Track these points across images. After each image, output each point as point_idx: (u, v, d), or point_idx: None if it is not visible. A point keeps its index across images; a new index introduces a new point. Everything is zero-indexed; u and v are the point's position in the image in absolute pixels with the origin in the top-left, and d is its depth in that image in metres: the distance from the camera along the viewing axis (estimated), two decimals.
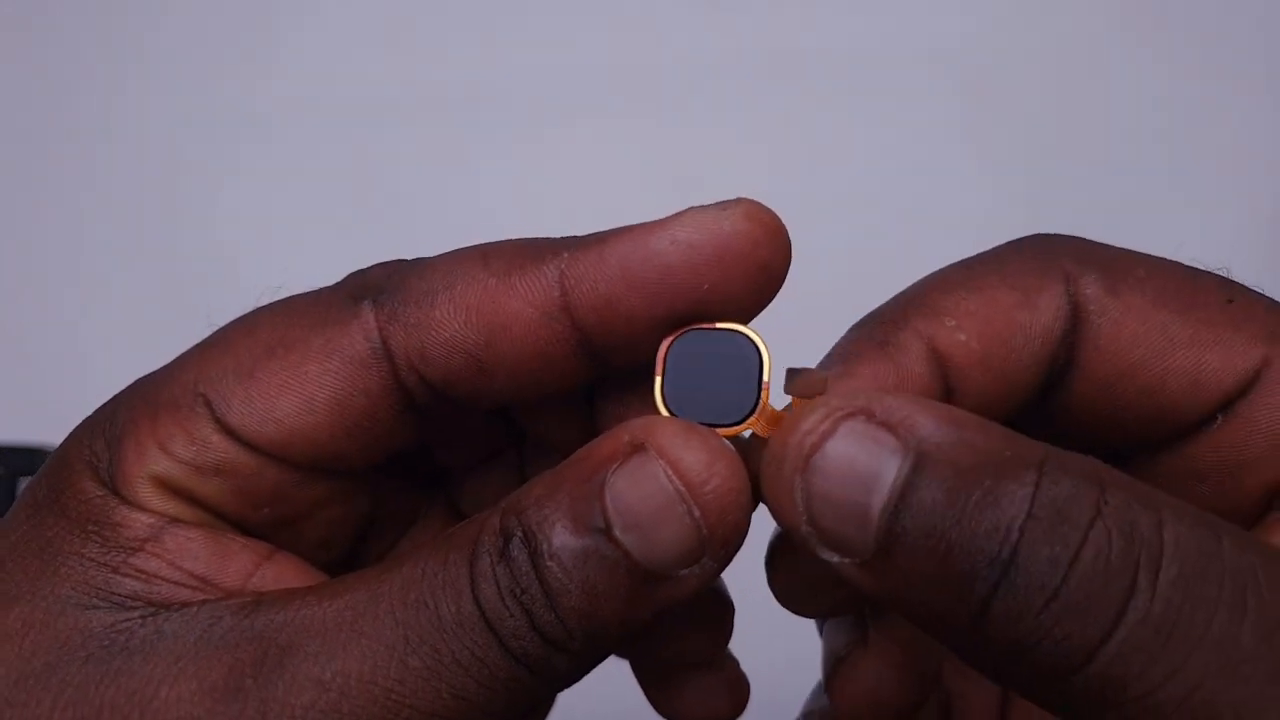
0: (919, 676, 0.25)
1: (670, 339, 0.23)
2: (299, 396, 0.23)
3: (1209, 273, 0.24)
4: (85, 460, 0.23)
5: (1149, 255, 0.24)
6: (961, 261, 0.24)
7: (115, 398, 0.25)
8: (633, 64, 0.59)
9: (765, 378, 0.22)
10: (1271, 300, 0.24)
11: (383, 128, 0.58)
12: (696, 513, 0.21)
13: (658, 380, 0.23)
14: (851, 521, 0.20)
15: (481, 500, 0.28)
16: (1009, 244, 0.24)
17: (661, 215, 0.24)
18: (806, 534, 0.20)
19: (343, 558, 0.27)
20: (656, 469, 0.21)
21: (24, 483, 0.44)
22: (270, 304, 0.26)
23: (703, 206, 0.24)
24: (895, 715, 0.25)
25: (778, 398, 0.22)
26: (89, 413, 0.26)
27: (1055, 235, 0.25)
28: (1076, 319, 0.23)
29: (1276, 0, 0.58)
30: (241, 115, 0.58)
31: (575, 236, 0.24)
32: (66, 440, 0.24)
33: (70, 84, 0.59)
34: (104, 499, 0.23)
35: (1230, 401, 0.23)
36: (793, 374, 0.22)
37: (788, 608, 0.26)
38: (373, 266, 0.27)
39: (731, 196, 0.23)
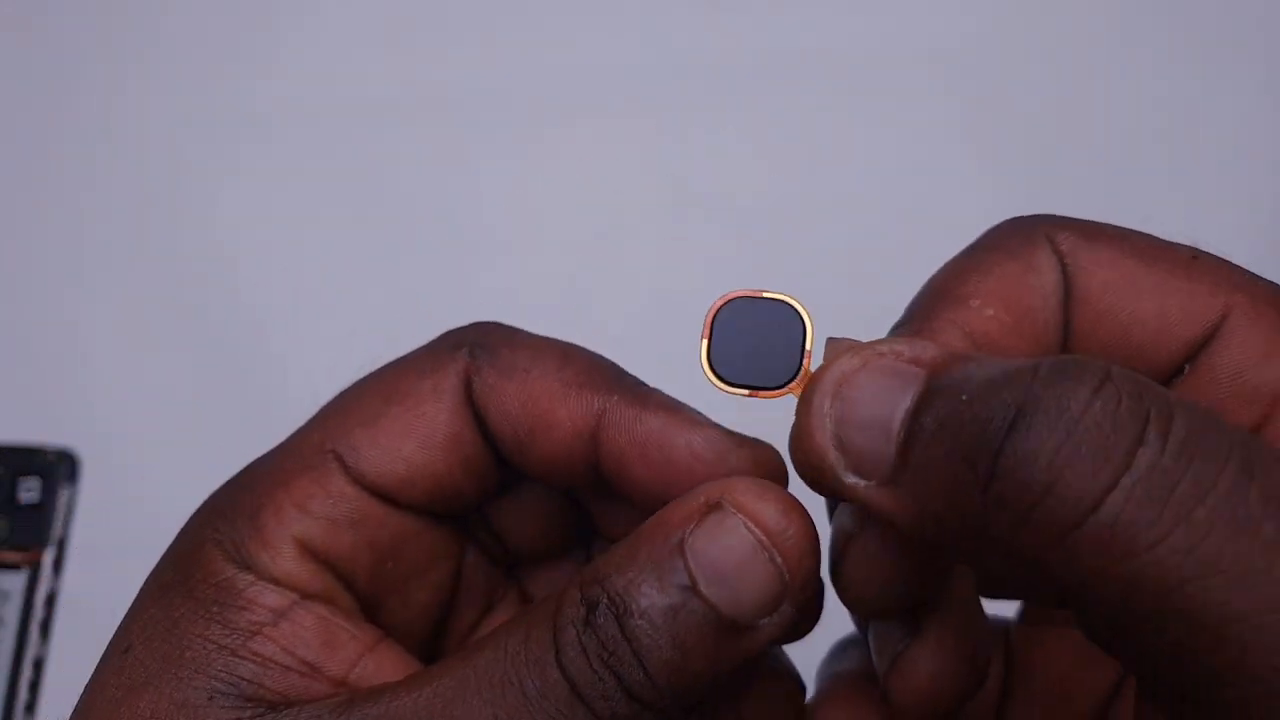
0: (974, 663, 0.26)
1: (718, 305, 0.24)
2: (418, 436, 0.27)
3: (1175, 242, 0.25)
4: (214, 540, 0.25)
5: (1116, 225, 0.26)
6: (957, 256, 0.26)
7: (229, 483, 0.28)
8: (633, 64, 0.59)
9: (808, 345, 0.24)
10: (1234, 264, 0.25)
11: (383, 128, 0.58)
12: (778, 559, 0.22)
13: (704, 343, 0.24)
14: (877, 436, 0.21)
15: (552, 586, 0.30)
16: (988, 232, 0.26)
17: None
18: (835, 460, 0.21)
19: (430, 636, 0.29)
20: (736, 523, 0.22)
21: (23, 483, 0.44)
22: (376, 370, 0.29)
23: (726, 432, 0.26)
24: (953, 703, 0.26)
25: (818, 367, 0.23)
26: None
27: (1024, 215, 0.26)
28: (1063, 272, 0.25)
29: (1276, 0, 0.58)
30: (241, 115, 0.58)
31: (631, 381, 0.28)
32: (189, 526, 0.27)
33: (70, 84, 0.59)
34: (234, 577, 0.24)
35: (1195, 352, 0.24)
36: (834, 342, 0.23)
37: (854, 608, 0.27)
38: (469, 326, 0.30)
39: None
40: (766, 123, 0.58)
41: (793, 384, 0.24)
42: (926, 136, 0.57)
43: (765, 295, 0.24)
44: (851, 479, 0.21)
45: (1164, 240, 0.25)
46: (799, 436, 0.22)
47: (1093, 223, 0.25)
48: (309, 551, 0.25)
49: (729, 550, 0.22)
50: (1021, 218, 0.26)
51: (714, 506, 0.22)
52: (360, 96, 0.59)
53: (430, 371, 0.27)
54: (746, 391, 0.24)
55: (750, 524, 0.22)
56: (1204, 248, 0.25)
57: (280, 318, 0.56)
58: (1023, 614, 0.30)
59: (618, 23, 0.59)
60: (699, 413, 0.27)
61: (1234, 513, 0.18)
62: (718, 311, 0.24)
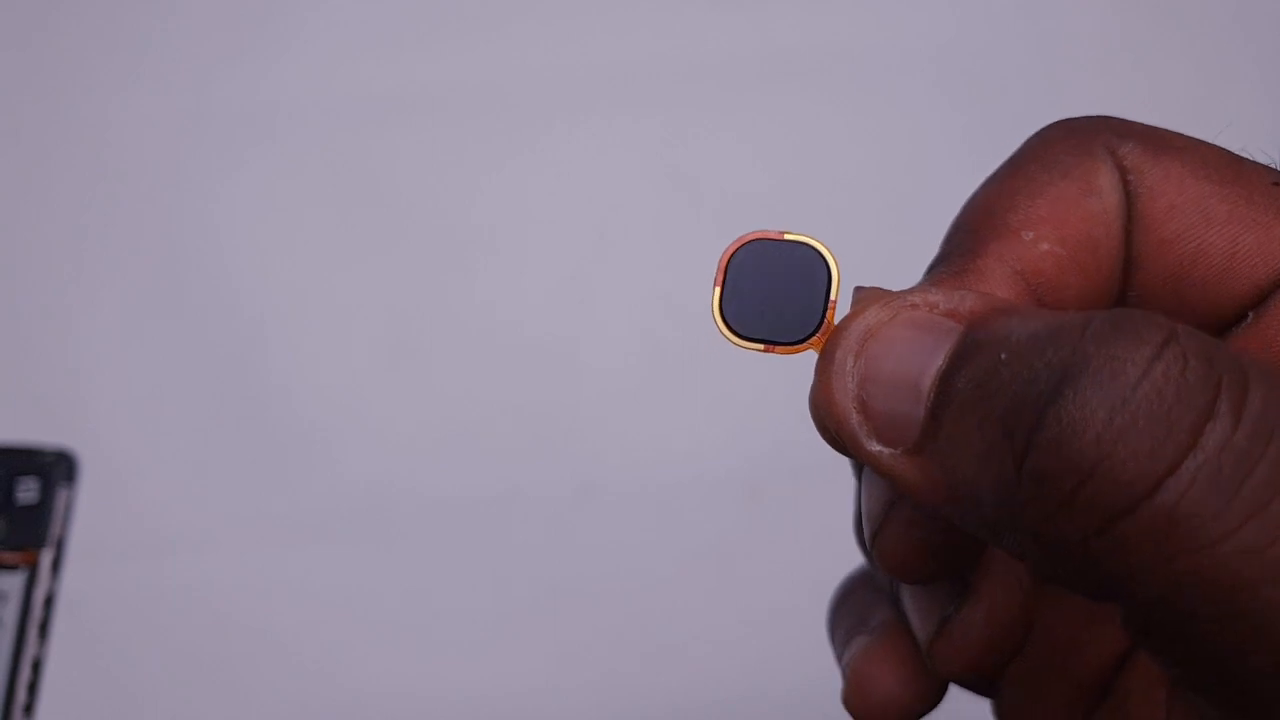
0: (1023, 625, 0.24)
1: (733, 248, 0.22)
2: None
3: (1253, 160, 0.22)
4: None
5: (1187, 134, 0.22)
6: (1001, 168, 0.22)
7: None
8: (633, 64, 0.58)
9: (833, 295, 0.21)
10: None
11: (383, 127, 0.58)
12: None
13: (716, 291, 0.21)
14: (905, 398, 0.19)
15: None
16: (1039, 136, 0.22)
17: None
18: (856, 424, 0.19)
19: None
20: None
21: (21, 483, 0.44)
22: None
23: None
24: (1000, 668, 0.24)
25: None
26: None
27: (1084, 116, 0.23)
28: (1125, 191, 0.21)
29: (1276, 0, 0.58)
30: (241, 115, 0.58)
31: None
32: None
33: (70, 84, 0.59)
34: None
35: (1263, 297, 0.21)
36: (861, 292, 0.21)
37: (896, 575, 0.24)
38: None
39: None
40: (766, 122, 0.58)
41: (814, 338, 0.21)
42: (928, 136, 0.57)
43: (787, 237, 0.21)
44: (875, 446, 0.19)
45: (1241, 158, 0.22)
46: (818, 396, 0.20)
47: (1159, 130, 0.22)
48: None
49: None
50: (1076, 121, 0.22)
51: None
52: (360, 96, 0.59)
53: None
54: (762, 346, 0.21)
55: None
56: None
57: (280, 317, 0.56)
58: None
59: (617, 23, 0.59)
60: None
61: None
62: (732, 255, 0.21)
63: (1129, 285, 0.22)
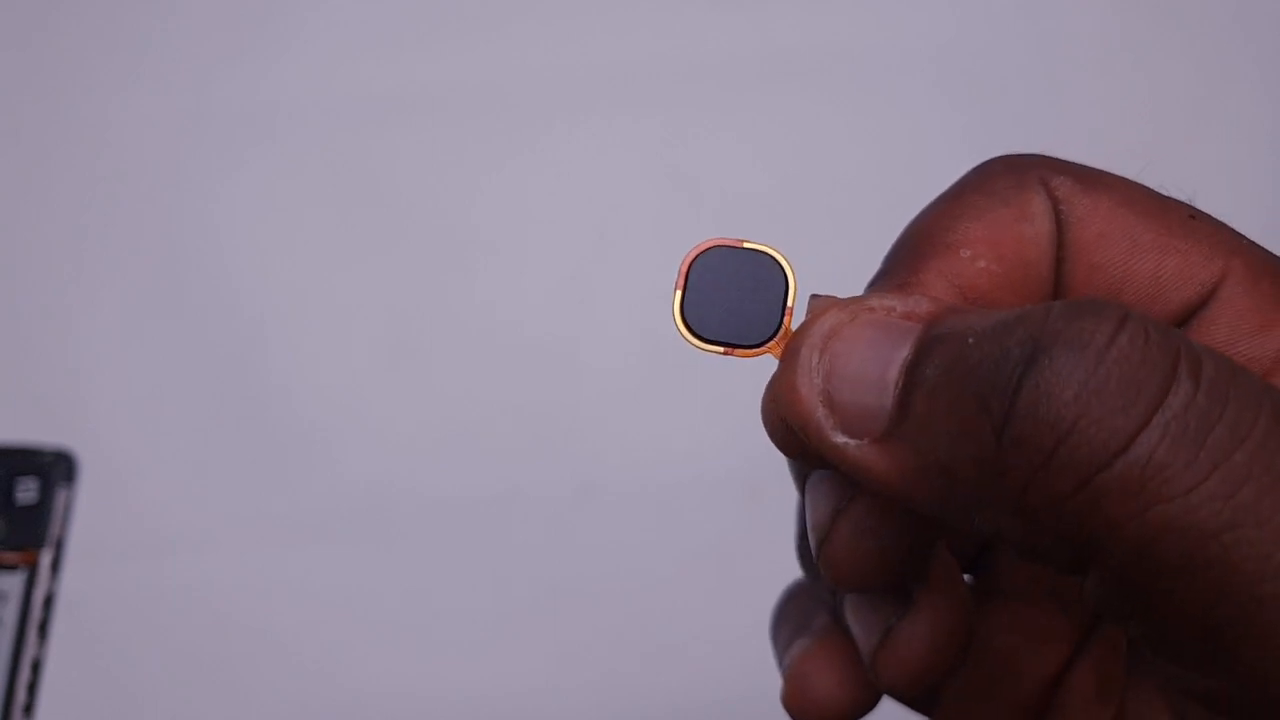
0: (966, 637, 0.24)
1: (693, 254, 0.23)
2: None
3: (1173, 197, 0.24)
4: None
5: (1113, 173, 0.24)
6: (942, 195, 0.24)
7: None
8: (633, 64, 0.58)
9: (790, 301, 0.22)
10: (1231, 228, 0.23)
11: (383, 127, 0.58)
12: None
13: (677, 295, 0.23)
14: (870, 389, 0.20)
15: None
16: (975, 170, 0.24)
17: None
18: (822, 418, 0.20)
19: None
20: None
21: (21, 483, 0.44)
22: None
23: None
24: (942, 678, 0.25)
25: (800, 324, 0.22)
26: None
27: (1022, 154, 0.24)
28: (1057, 220, 0.23)
29: (1276, 1, 0.58)
30: (241, 115, 0.58)
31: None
32: None
33: (69, 84, 0.59)
34: None
35: (1188, 316, 0.22)
36: (816, 299, 0.21)
37: (839, 585, 0.25)
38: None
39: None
40: (766, 122, 0.58)
41: (771, 343, 0.22)
42: (928, 136, 0.57)
43: (745, 245, 0.22)
44: (840, 438, 0.20)
45: (1162, 194, 0.23)
46: (778, 393, 0.21)
47: (1089, 168, 0.24)
48: None
49: None
50: (1013, 158, 0.24)
51: None
52: (360, 96, 0.59)
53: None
54: (722, 349, 0.22)
55: None
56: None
57: (280, 317, 0.56)
58: (972, 585, 0.28)
59: (617, 23, 0.59)
60: None
61: (1271, 460, 0.17)
62: (693, 261, 0.22)
63: None
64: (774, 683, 0.30)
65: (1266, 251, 0.23)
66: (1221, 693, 0.18)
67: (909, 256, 0.23)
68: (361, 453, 0.55)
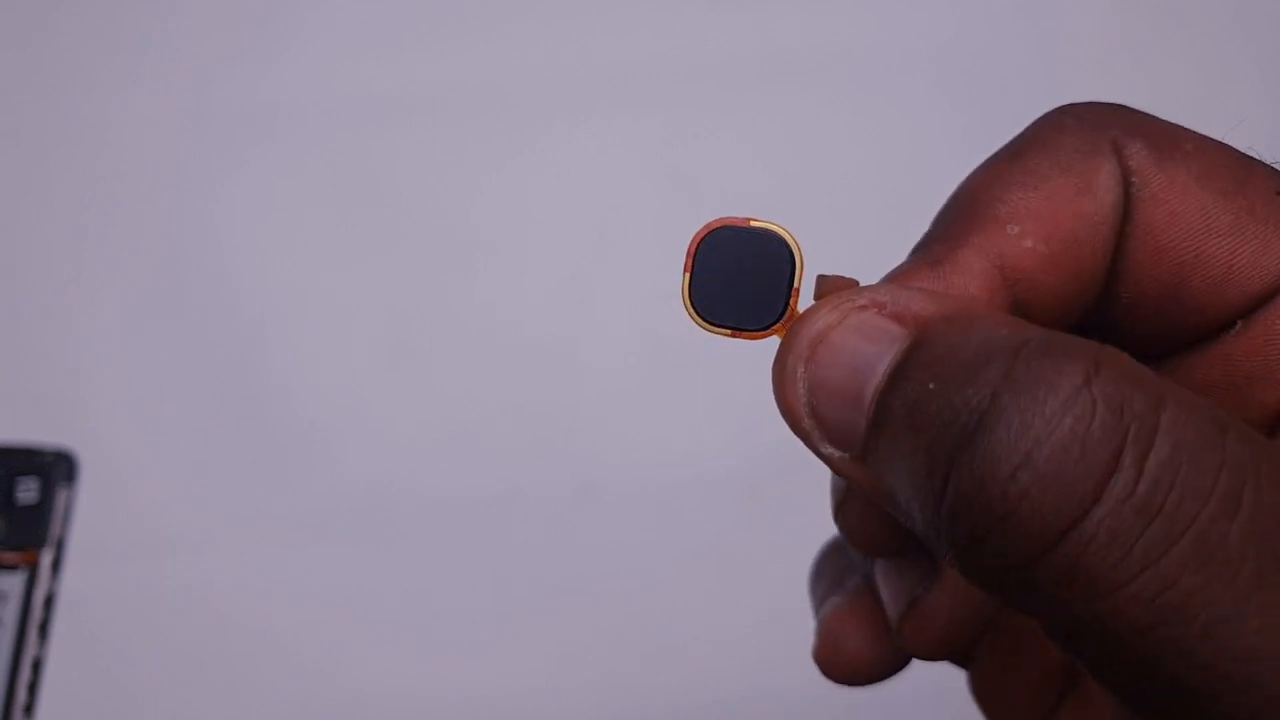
0: (989, 606, 0.24)
1: (701, 235, 0.22)
2: None
3: (1262, 162, 0.22)
4: None
5: (1196, 132, 0.22)
6: (1006, 150, 0.22)
7: None
8: (633, 64, 0.58)
9: (795, 283, 0.21)
10: None
11: (383, 127, 0.58)
12: None
13: (685, 278, 0.22)
14: (849, 407, 0.19)
15: None
16: (1049, 119, 0.23)
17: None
18: (809, 428, 0.20)
19: None
20: None
21: (21, 483, 0.44)
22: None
23: None
24: (968, 648, 0.25)
25: (808, 304, 0.22)
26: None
27: (1097, 103, 0.23)
28: (1126, 194, 0.21)
29: (1276, 1, 0.58)
30: (241, 115, 0.58)
31: None
32: None
33: (69, 84, 0.59)
34: None
35: (1254, 306, 0.21)
36: (823, 280, 0.21)
37: (861, 550, 0.25)
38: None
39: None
40: (766, 122, 0.58)
41: (777, 325, 0.21)
42: (928, 136, 0.57)
43: (753, 224, 0.22)
44: (828, 449, 0.20)
45: (1247, 161, 0.22)
46: (776, 393, 0.21)
47: (1170, 129, 0.22)
48: None
49: None
50: (1086, 112, 0.22)
51: None
52: (360, 96, 0.59)
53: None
54: (729, 331, 0.22)
55: None
56: None
57: (280, 317, 0.56)
58: None
59: (617, 22, 0.59)
60: None
61: (1210, 554, 0.16)
62: (701, 242, 0.22)
63: (1120, 288, 0.22)
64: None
65: None
66: None
67: (953, 226, 0.22)
68: (361, 453, 0.55)
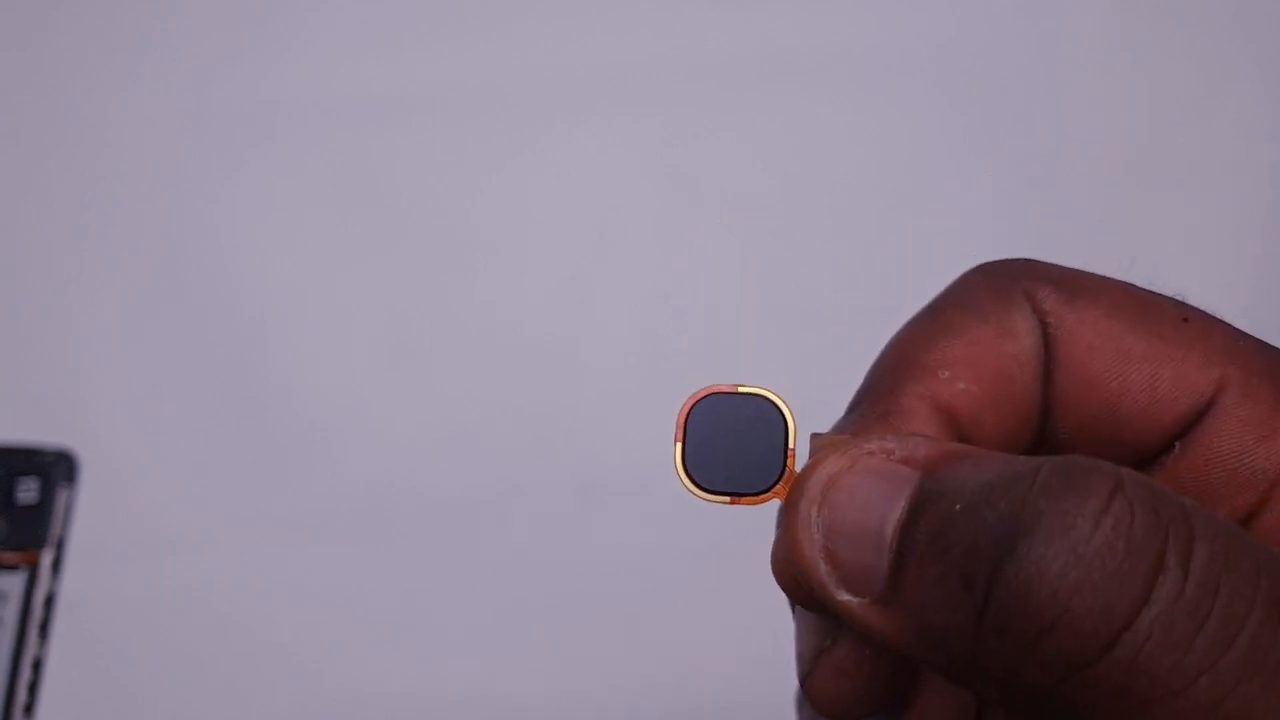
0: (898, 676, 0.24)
1: (690, 404, 0.22)
2: None
3: (1162, 294, 0.23)
4: None
5: (1099, 274, 0.23)
6: (922, 312, 0.23)
7: None
8: (633, 64, 0.58)
9: (791, 444, 0.22)
10: (1229, 324, 0.22)
11: (383, 127, 0.58)
12: None
13: (678, 447, 0.22)
14: (868, 548, 0.19)
15: None
16: (958, 281, 0.24)
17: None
18: (825, 575, 0.20)
19: None
20: None
21: (21, 483, 0.44)
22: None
23: None
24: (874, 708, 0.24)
25: (803, 464, 0.22)
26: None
27: (1001, 260, 0.24)
28: (1044, 336, 0.22)
29: (1276, 1, 0.58)
30: (241, 115, 0.58)
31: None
32: None
33: (69, 84, 0.59)
34: None
35: (1187, 427, 0.22)
36: (818, 438, 0.21)
37: (823, 715, 0.24)
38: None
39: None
40: (766, 122, 0.58)
41: (777, 487, 0.21)
42: (928, 136, 0.57)
43: (741, 390, 0.22)
44: (844, 596, 0.19)
45: (1151, 293, 0.23)
46: (785, 548, 0.21)
47: (1074, 273, 0.23)
48: None
49: None
50: (993, 268, 0.23)
51: None
52: (360, 96, 0.59)
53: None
54: (728, 498, 0.22)
55: None
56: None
57: (280, 317, 0.56)
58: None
59: (617, 22, 0.59)
60: None
61: (1263, 660, 0.16)
62: (690, 411, 0.22)
63: (1057, 423, 0.23)
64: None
65: (1263, 351, 0.22)
66: None
67: (888, 378, 0.23)
68: (361, 453, 0.55)
